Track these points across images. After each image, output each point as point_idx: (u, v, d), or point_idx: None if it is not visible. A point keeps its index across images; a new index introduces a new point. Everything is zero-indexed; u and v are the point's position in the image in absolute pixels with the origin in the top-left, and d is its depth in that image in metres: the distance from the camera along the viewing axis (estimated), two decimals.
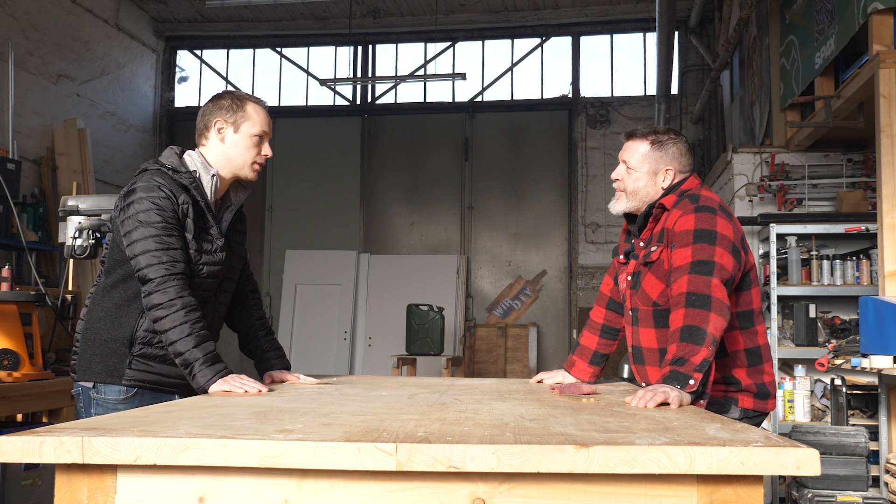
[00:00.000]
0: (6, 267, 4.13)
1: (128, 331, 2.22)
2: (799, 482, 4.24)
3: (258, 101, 2.39)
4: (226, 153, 2.33)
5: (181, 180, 2.26)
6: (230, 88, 2.53)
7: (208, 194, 2.31)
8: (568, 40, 9.99)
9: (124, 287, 2.25)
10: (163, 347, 2.21)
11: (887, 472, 3.96)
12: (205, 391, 2.06)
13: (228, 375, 2.10)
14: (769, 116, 6.42)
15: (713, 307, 2.06)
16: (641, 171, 2.42)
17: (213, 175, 2.32)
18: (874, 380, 4.60)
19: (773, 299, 5.46)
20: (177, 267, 2.15)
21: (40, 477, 3.79)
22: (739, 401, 2.31)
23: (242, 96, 2.37)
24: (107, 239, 2.77)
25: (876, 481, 4.24)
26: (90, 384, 2.25)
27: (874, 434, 4.35)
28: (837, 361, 4.37)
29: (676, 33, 8.93)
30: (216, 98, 2.37)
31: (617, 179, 2.47)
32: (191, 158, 2.33)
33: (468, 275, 9.79)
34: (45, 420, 4.16)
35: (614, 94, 9.80)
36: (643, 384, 2.40)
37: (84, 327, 2.29)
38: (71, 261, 4.60)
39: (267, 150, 2.39)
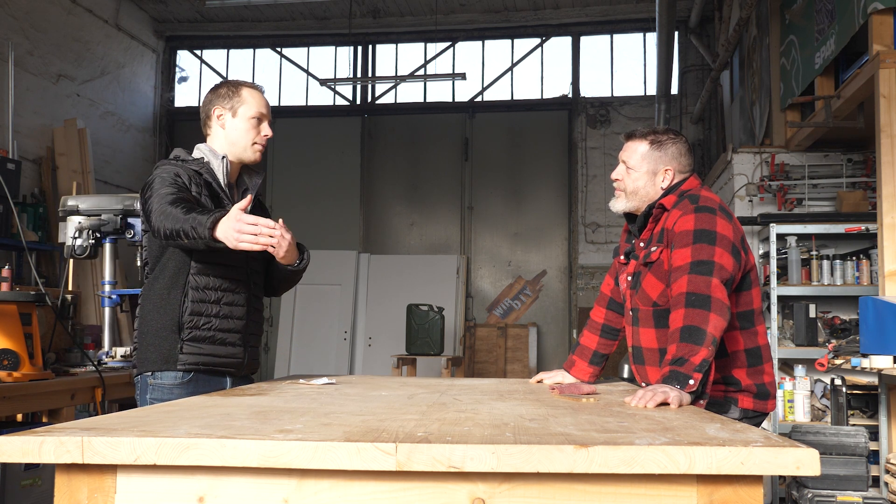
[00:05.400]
0: (6, 267, 4.12)
1: (174, 317, 2.33)
2: (799, 482, 4.24)
3: (254, 86, 2.51)
4: (228, 137, 2.47)
5: (191, 167, 2.40)
6: (229, 78, 2.69)
7: (220, 177, 2.44)
8: (568, 40, 9.98)
9: (164, 276, 2.36)
10: (210, 329, 2.34)
11: (887, 472, 3.96)
12: (214, 240, 2.07)
13: (223, 218, 2.06)
14: (769, 116, 6.42)
15: (713, 307, 2.06)
16: (641, 172, 2.42)
17: (223, 157, 2.45)
18: (874, 380, 4.60)
19: (773, 299, 5.45)
20: (173, 197, 2.20)
21: (40, 477, 3.79)
22: (739, 401, 2.31)
23: (238, 83, 2.51)
24: (142, 237, 2.89)
25: (876, 481, 4.24)
26: (149, 373, 2.35)
27: (874, 434, 4.34)
28: (837, 361, 4.37)
29: (676, 33, 8.92)
30: (214, 88, 2.52)
31: (617, 179, 2.47)
32: (199, 150, 2.48)
33: (468, 275, 9.79)
34: (45, 420, 4.15)
35: (614, 94, 9.80)
36: (643, 384, 2.40)
37: (139, 323, 2.41)
38: (71, 261, 4.59)
39: (267, 130, 2.50)
